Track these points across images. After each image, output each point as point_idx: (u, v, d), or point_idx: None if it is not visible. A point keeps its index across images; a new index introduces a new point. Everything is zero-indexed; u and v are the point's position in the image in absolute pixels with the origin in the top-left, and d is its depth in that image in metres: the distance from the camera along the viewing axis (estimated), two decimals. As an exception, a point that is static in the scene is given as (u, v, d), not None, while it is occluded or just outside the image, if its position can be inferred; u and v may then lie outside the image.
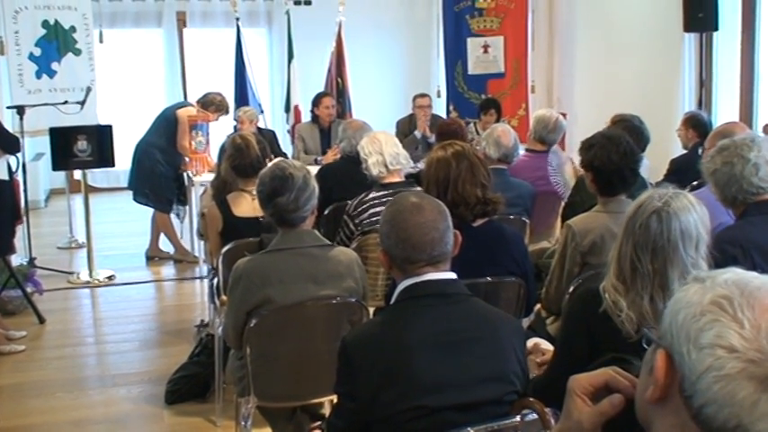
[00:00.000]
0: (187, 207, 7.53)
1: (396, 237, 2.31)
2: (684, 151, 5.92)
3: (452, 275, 2.34)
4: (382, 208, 4.18)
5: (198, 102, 7.38)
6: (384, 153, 4.33)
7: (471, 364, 2.19)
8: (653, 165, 5.68)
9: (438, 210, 2.36)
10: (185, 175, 7.41)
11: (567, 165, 5.65)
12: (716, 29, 6.94)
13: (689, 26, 7.08)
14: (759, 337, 1.03)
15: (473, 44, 9.30)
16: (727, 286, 1.09)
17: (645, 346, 1.23)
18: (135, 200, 7.46)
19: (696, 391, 1.05)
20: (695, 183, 4.65)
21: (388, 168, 4.33)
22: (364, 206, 4.24)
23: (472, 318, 2.27)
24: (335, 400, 2.29)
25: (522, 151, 5.30)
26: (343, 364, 2.25)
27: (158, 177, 7.27)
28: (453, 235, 2.36)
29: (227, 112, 7.45)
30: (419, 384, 2.13)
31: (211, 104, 7.25)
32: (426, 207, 2.34)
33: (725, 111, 7.01)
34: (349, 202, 4.36)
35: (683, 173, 5.36)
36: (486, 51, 9.31)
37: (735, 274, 1.12)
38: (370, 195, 4.27)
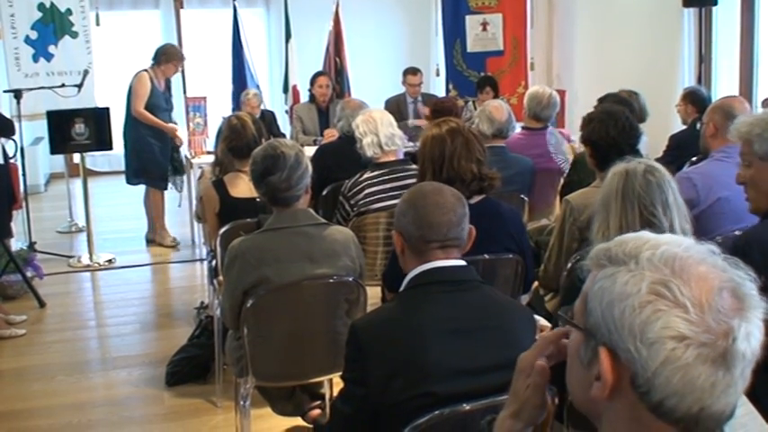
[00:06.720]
0: (185, 184, 7.44)
1: (413, 214, 2.32)
2: (684, 127, 5.89)
3: (463, 262, 2.33)
4: (378, 188, 4.23)
5: (153, 59, 7.16)
6: (379, 133, 4.29)
7: (483, 352, 2.16)
8: (652, 141, 5.64)
9: (457, 196, 2.40)
10: (183, 156, 7.35)
11: (565, 144, 5.62)
12: (715, 3, 6.89)
13: (688, 1, 7.03)
14: (705, 318, 1.02)
15: (472, 22, 9.24)
16: (657, 267, 1.06)
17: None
18: (128, 182, 7.37)
19: (654, 386, 1.04)
20: (694, 158, 4.64)
21: (383, 149, 4.29)
22: (359, 186, 4.21)
23: (484, 305, 2.26)
24: (343, 387, 2.25)
25: (518, 128, 5.26)
26: (353, 349, 2.20)
27: (147, 151, 7.12)
28: (469, 229, 2.37)
29: (182, 58, 7.27)
30: (430, 371, 2.10)
31: (163, 54, 7.09)
32: (446, 191, 2.39)
33: (724, 86, 6.96)
34: (346, 182, 4.33)
35: (682, 148, 5.35)
36: (484, 29, 9.25)
37: (652, 246, 1.09)
38: (366, 175, 4.24)
